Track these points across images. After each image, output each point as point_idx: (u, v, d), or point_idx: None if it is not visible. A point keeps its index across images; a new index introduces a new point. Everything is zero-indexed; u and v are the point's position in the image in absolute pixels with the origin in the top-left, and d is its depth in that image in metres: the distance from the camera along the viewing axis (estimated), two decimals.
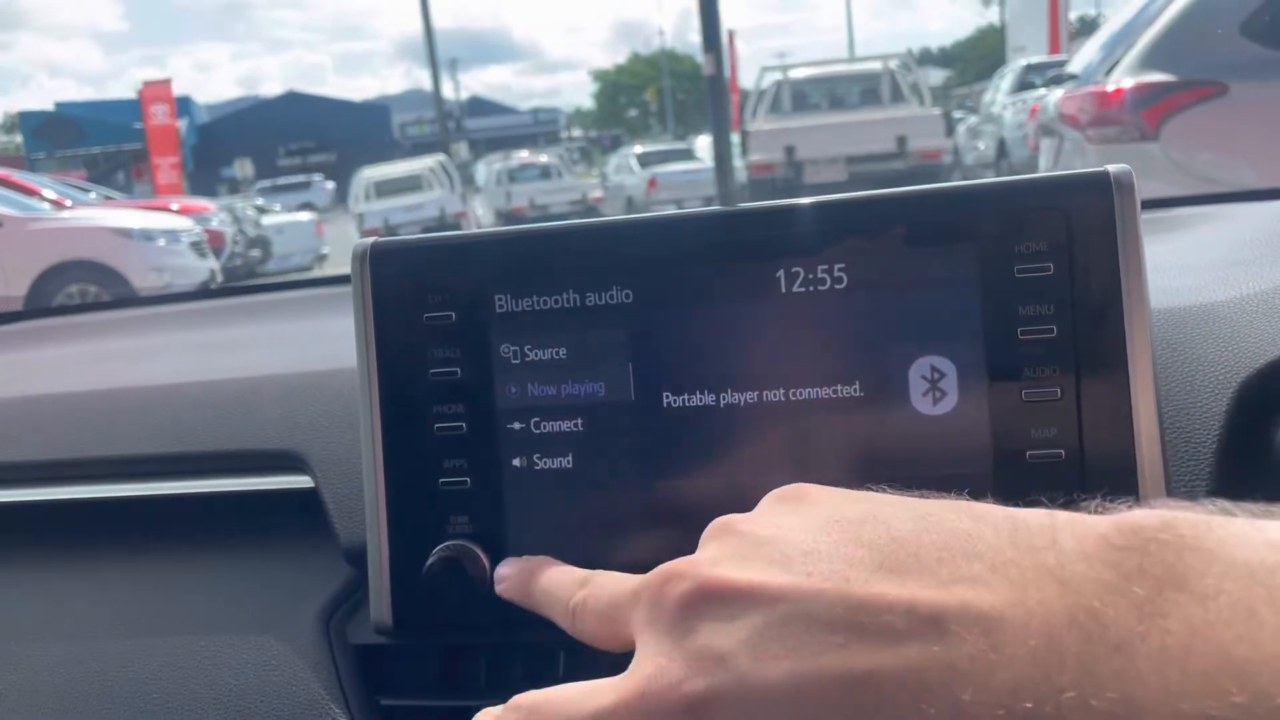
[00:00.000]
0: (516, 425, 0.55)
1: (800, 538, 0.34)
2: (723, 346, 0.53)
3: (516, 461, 0.55)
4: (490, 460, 0.55)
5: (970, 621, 0.29)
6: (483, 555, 0.54)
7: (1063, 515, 0.31)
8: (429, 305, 0.56)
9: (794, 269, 0.52)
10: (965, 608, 0.29)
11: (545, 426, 0.55)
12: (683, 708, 0.32)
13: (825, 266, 0.52)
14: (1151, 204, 0.96)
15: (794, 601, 0.31)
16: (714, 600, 0.33)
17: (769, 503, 0.37)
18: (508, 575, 0.52)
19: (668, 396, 0.54)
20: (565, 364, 0.55)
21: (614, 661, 0.59)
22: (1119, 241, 0.49)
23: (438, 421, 0.56)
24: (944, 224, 0.51)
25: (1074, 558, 0.29)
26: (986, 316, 0.50)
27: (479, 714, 0.43)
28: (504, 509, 0.55)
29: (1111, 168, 0.50)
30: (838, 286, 0.52)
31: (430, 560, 0.54)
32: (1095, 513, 0.31)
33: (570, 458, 0.55)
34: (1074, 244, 0.49)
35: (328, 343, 0.81)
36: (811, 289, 0.52)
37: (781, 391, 0.52)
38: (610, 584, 0.42)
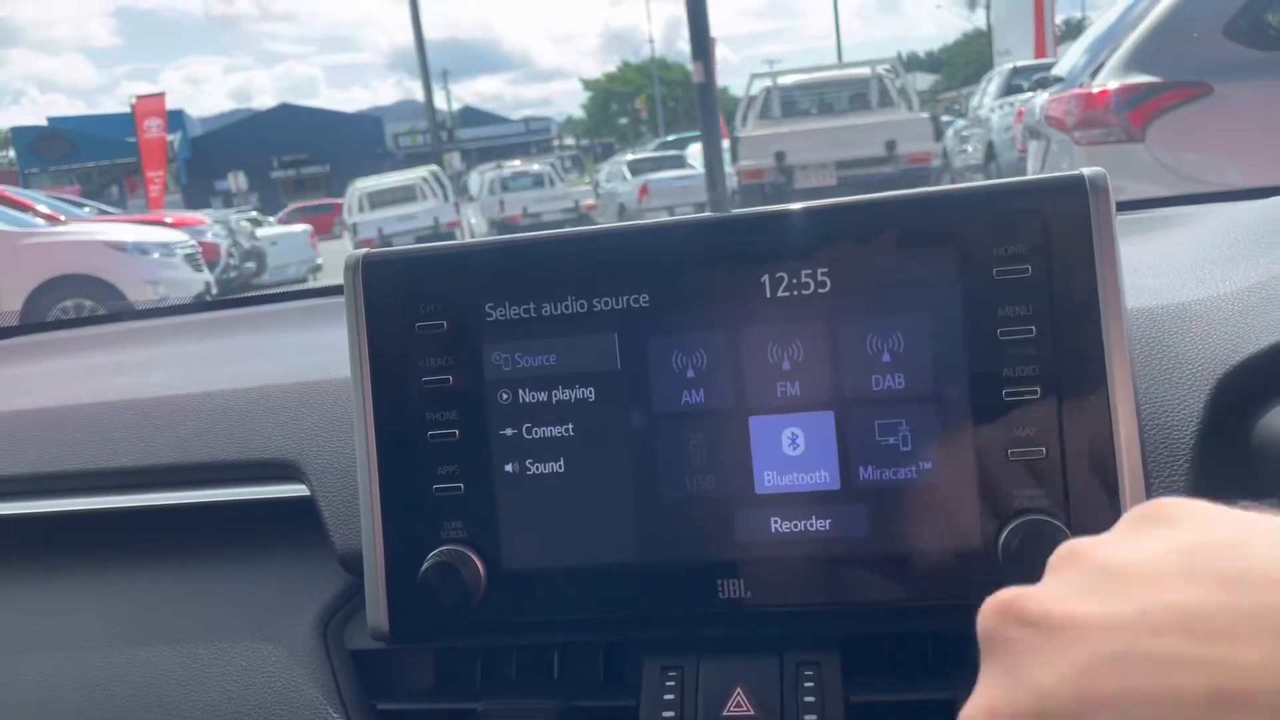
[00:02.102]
0: (509, 431, 0.56)
1: (1150, 565, 0.31)
2: (710, 350, 0.54)
3: (509, 467, 0.56)
4: (483, 466, 0.56)
5: None
6: (477, 560, 0.55)
7: None
8: (421, 315, 0.57)
9: (779, 274, 0.53)
10: None
11: (537, 432, 0.56)
12: None
13: (809, 271, 0.53)
14: (1129, 205, 0.98)
15: (1129, 637, 0.29)
16: (1045, 633, 0.32)
17: (1128, 522, 0.34)
18: None
19: (657, 400, 0.55)
20: (556, 370, 0.56)
21: (611, 675, 0.60)
22: (1095, 242, 0.50)
23: (431, 429, 0.57)
24: (924, 228, 0.52)
25: None
26: (967, 318, 0.51)
27: None
28: (497, 514, 0.56)
29: (1086, 170, 0.51)
30: (821, 290, 0.53)
31: (425, 566, 0.55)
32: None
33: (562, 462, 0.56)
34: (1051, 246, 0.50)
35: (322, 353, 0.81)
36: (796, 293, 0.53)
37: (768, 392, 0.53)
38: None
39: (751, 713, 0.54)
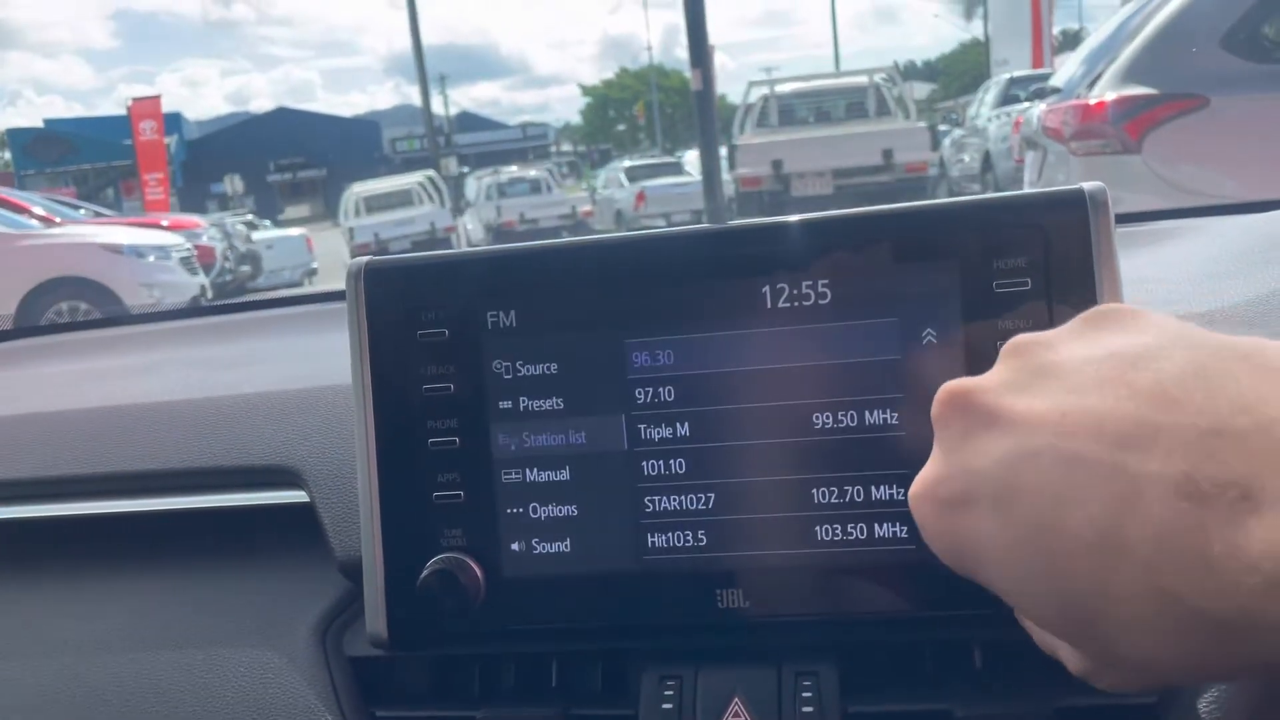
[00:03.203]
0: (509, 439, 0.56)
1: (1077, 369, 0.34)
2: (710, 360, 0.54)
3: (510, 474, 0.56)
4: (483, 473, 0.56)
5: (1225, 483, 0.28)
6: (476, 567, 0.55)
7: None
8: (423, 322, 0.57)
9: (779, 286, 0.54)
10: (1219, 467, 0.29)
11: (538, 440, 0.56)
12: (943, 503, 0.37)
13: (810, 283, 0.53)
14: (1129, 218, 0.98)
15: (1048, 436, 0.33)
16: (980, 422, 0.36)
17: (1078, 321, 0.37)
18: None
19: (660, 409, 0.55)
20: (557, 379, 0.56)
21: (609, 683, 0.60)
22: (1094, 256, 0.50)
23: (431, 436, 0.57)
24: (925, 241, 0.52)
25: None
26: (967, 330, 0.51)
27: None
28: (497, 522, 0.56)
29: (1086, 185, 0.52)
30: (822, 303, 0.53)
31: (424, 573, 0.55)
32: None
33: (563, 470, 0.56)
34: (1051, 260, 0.51)
35: (321, 359, 0.82)
36: (796, 305, 0.53)
37: (768, 402, 0.54)
38: None
39: None
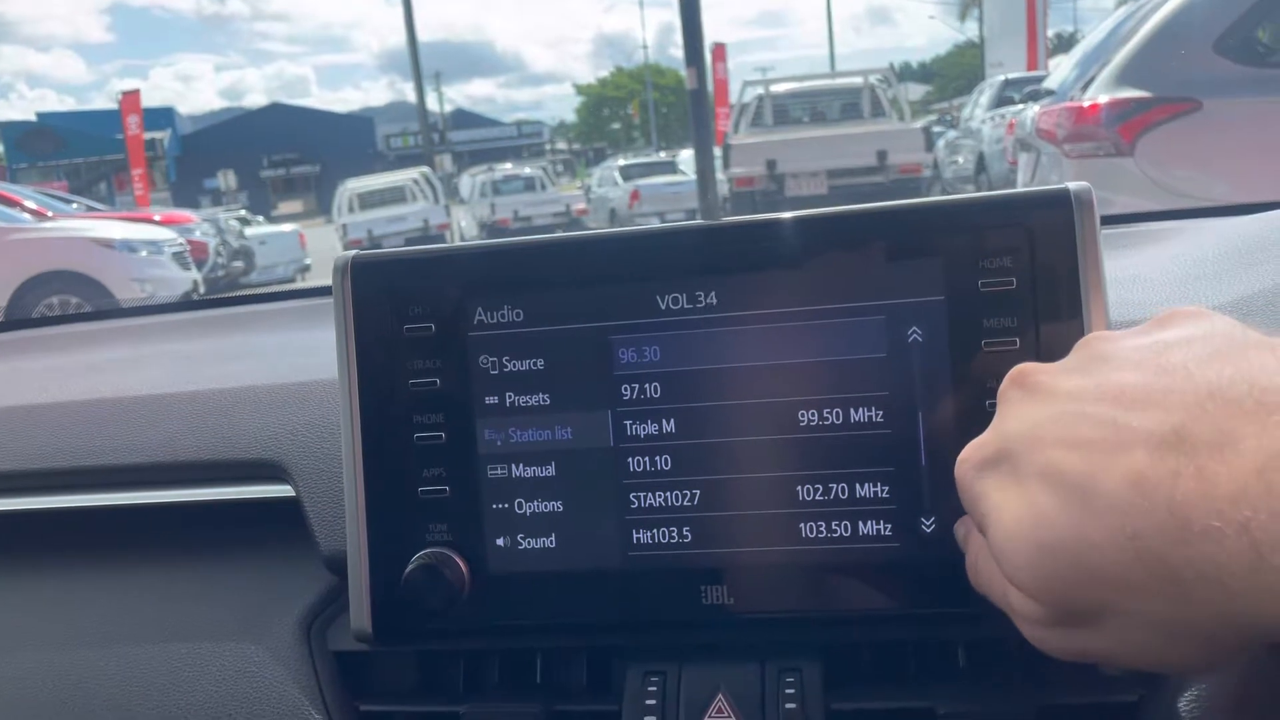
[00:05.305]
0: (495, 434, 0.56)
1: (1124, 354, 0.38)
2: (698, 357, 0.54)
3: (496, 470, 0.56)
4: (469, 469, 0.56)
5: (1207, 441, 0.31)
6: (461, 563, 0.55)
7: None
8: (409, 317, 0.57)
9: (766, 282, 0.54)
10: (1207, 424, 0.31)
11: (524, 435, 0.56)
12: (979, 461, 0.41)
13: (796, 280, 0.53)
14: (1117, 219, 0.98)
15: (1076, 402, 0.37)
16: (1024, 394, 0.40)
17: (1150, 321, 0.41)
18: None
19: (645, 405, 0.55)
20: (543, 375, 0.56)
21: (593, 679, 0.60)
22: (1079, 256, 0.50)
23: (417, 431, 0.57)
24: (911, 240, 0.52)
25: None
26: (952, 329, 0.52)
27: None
28: (483, 517, 0.56)
29: (1071, 185, 0.52)
30: (808, 300, 0.53)
31: (409, 568, 0.55)
32: None
33: (548, 465, 0.56)
34: (1036, 259, 0.51)
35: (309, 354, 0.81)
36: (783, 302, 0.53)
37: (755, 400, 0.54)
38: None
39: (733, 718, 0.54)
